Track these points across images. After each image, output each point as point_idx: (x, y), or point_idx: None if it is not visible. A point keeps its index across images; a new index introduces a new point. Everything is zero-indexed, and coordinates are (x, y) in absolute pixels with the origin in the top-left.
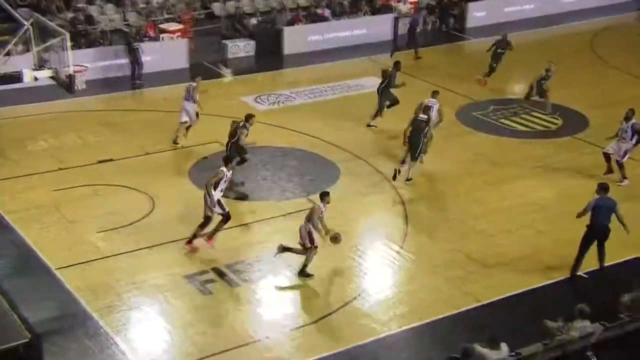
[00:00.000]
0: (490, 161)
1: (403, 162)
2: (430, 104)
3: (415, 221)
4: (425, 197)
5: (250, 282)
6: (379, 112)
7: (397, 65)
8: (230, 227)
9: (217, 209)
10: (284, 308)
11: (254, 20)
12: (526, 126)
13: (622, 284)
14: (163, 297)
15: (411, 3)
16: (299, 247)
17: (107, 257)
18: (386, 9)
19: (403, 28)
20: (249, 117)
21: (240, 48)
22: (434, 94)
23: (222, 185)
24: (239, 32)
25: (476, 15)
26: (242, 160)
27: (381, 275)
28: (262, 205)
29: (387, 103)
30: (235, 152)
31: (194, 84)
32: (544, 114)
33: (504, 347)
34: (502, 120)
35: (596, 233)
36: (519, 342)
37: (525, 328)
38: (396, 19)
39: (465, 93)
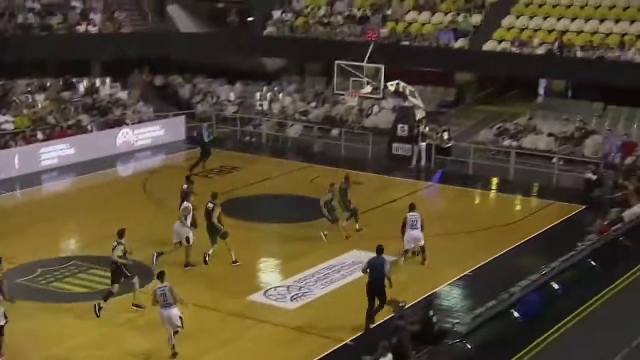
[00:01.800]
0: (43, 337)
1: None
2: (209, 207)
3: None
4: None
5: None
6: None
7: (188, 180)
8: None
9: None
10: None
11: None
12: (87, 287)
13: None
14: None
15: None
16: None
17: None
18: None
19: None
20: (121, 233)
21: None
22: (214, 197)
23: None
24: None
25: (7, 166)
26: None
27: None
28: None
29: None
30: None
31: None
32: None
33: None
34: (55, 284)
35: (372, 287)
36: None
37: None
38: None
39: (10, 255)
